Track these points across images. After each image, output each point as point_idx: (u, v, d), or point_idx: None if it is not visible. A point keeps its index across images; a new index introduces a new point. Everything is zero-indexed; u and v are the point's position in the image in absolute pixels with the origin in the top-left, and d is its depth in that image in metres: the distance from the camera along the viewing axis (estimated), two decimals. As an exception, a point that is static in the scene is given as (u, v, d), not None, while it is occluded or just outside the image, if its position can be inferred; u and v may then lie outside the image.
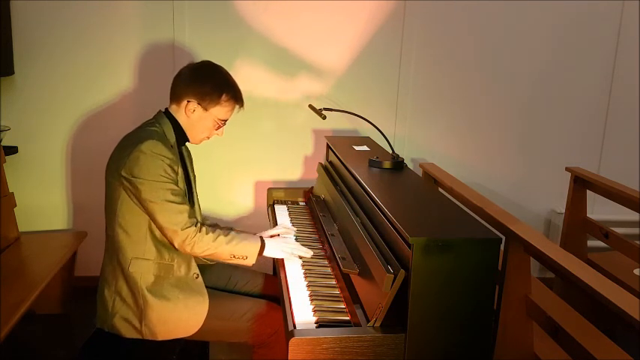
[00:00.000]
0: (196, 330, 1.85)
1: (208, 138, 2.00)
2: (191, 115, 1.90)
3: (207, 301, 1.88)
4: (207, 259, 2.08)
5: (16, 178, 3.06)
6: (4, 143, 2.96)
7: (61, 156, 3.12)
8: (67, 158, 3.13)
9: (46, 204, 3.16)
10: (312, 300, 1.70)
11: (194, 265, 1.92)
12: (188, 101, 1.89)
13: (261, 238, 1.93)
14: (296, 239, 2.14)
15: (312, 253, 1.99)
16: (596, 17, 3.26)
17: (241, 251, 1.85)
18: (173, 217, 1.77)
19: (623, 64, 3.32)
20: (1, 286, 2.31)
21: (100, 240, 3.09)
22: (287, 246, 1.97)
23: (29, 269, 2.57)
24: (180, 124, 1.93)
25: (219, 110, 1.92)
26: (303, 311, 1.63)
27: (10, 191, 2.86)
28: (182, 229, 1.77)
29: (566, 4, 3.22)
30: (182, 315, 1.84)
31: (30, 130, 3.07)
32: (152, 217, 1.79)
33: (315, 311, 1.63)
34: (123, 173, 1.76)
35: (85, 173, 3.16)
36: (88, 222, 3.21)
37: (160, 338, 1.84)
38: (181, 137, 1.95)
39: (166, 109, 1.96)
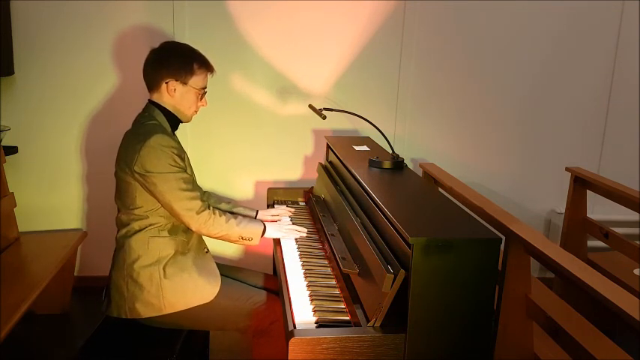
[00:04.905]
0: (213, 297, 1.93)
1: (196, 112, 2.06)
2: (174, 94, 1.97)
3: (219, 273, 2.01)
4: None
5: (16, 178, 3.06)
6: (4, 143, 2.96)
7: (60, 156, 3.12)
8: (67, 158, 3.13)
9: (45, 204, 3.16)
10: (312, 300, 1.70)
11: (203, 239, 2.10)
12: (166, 82, 1.96)
13: (262, 222, 2.11)
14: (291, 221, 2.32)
15: (306, 231, 2.21)
16: (596, 17, 3.25)
17: (248, 233, 2.01)
18: (188, 204, 1.89)
19: (623, 64, 3.32)
20: (1, 286, 2.31)
21: (100, 240, 3.13)
22: (283, 226, 2.17)
23: (29, 269, 2.57)
24: (168, 108, 1.99)
25: (196, 80, 1.99)
26: (303, 311, 1.63)
27: (10, 191, 2.86)
28: (197, 213, 1.90)
29: (566, 4, 3.22)
30: (198, 282, 1.94)
31: (30, 130, 3.07)
32: (168, 207, 1.90)
33: (315, 311, 1.64)
34: (136, 169, 1.85)
35: (85, 173, 3.17)
36: (88, 222, 3.22)
37: (180, 309, 1.91)
38: (173, 123, 2.02)
39: (150, 99, 2.02)
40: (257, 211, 2.36)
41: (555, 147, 3.41)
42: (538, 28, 3.25)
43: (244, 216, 2.19)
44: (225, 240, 2.01)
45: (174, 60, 1.96)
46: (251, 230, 2.01)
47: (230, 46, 3.08)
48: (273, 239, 2.17)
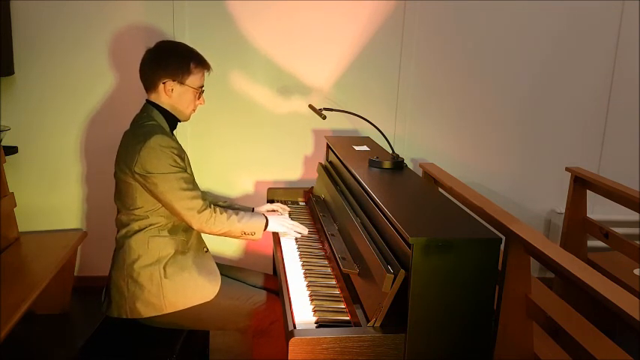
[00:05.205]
0: (213, 296, 1.93)
1: (194, 111, 2.06)
2: (171, 94, 1.96)
3: (219, 272, 2.01)
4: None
5: (16, 178, 3.06)
6: (4, 143, 2.96)
7: (60, 156, 3.12)
8: (66, 158, 3.13)
9: (45, 204, 3.16)
10: (312, 300, 1.70)
11: (202, 238, 2.10)
12: (164, 83, 1.95)
13: (264, 215, 2.09)
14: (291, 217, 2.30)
15: (307, 230, 2.20)
16: (596, 17, 3.25)
17: (250, 228, 2.00)
18: (189, 203, 1.88)
19: (623, 64, 3.32)
20: (1, 286, 2.31)
21: (100, 240, 3.13)
22: (286, 222, 2.16)
23: (29, 269, 2.57)
24: (166, 107, 1.98)
25: (194, 79, 1.98)
26: (303, 311, 1.64)
27: (10, 191, 2.86)
28: (199, 212, 1.90)
29: (566, 4, 3.22)
30: (198, 281, 1.94)
31: (30, 130, 3.07)
32: (169, 206, 1.89)
33: (315, 311, 1.64)
34: (136, 170, 1.84)
35: (85, 173, 3.17)
36: (88, 222, 3.22)
37: (180, 308, 1.91)
38: (171, 123, 2.01)
39: (147, 100, 2.00)
40: (252, 209, 2.34)
41: (555, 147, 3.41)
42: (538, 28, 3.25)
43: (245, 211, 2.19)
44: (228, 236, 2.00)
45: (171, 60, 1.94)
46: (253, 225, 2.01)
47: (230, 46, 3.08)
48: (273, 239, 2.17)
